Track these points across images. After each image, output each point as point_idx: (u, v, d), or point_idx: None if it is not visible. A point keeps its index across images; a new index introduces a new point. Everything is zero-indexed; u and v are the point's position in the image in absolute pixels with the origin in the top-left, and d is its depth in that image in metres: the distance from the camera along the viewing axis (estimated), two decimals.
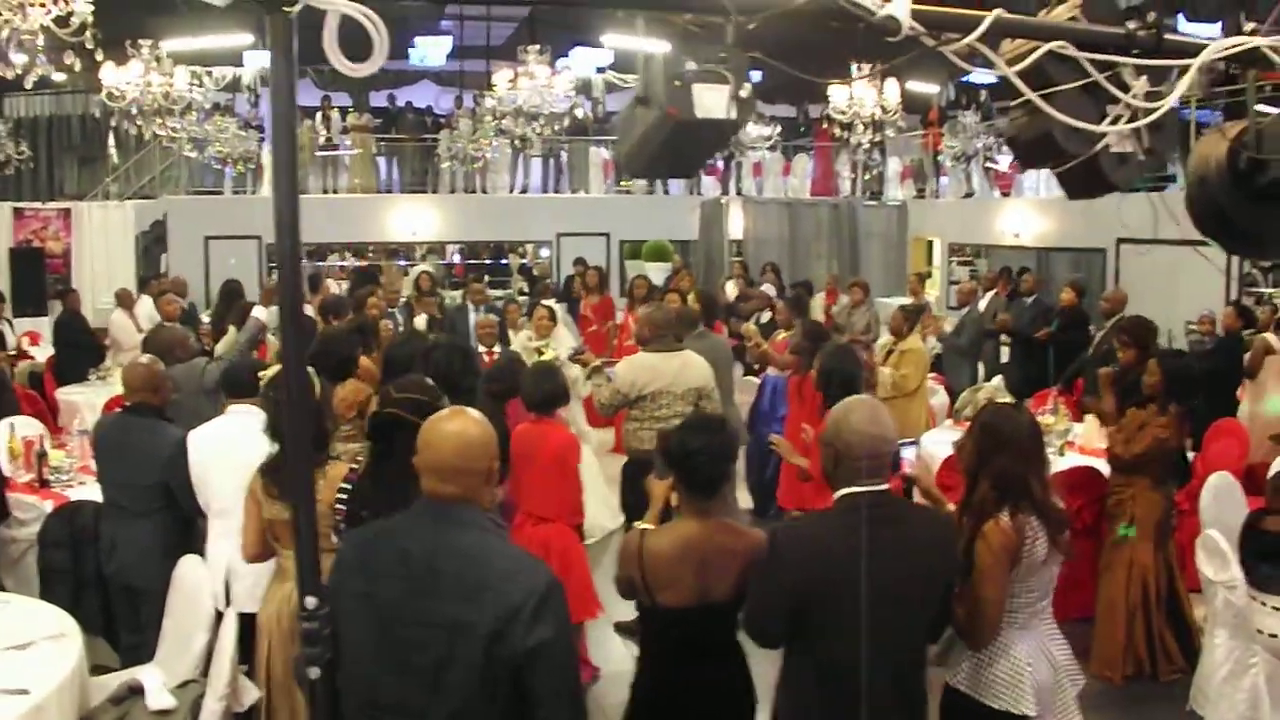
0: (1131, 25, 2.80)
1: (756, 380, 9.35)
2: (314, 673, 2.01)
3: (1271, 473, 5.62)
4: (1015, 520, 3.30)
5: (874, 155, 18.38)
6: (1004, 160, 17.25)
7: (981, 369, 10.99)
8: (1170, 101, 2.76)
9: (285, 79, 2.07)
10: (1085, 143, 2.79)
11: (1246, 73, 2.98)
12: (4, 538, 5.90)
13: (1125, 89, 2.81)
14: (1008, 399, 8.54)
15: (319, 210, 16.83)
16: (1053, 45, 2.73)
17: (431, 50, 17.60)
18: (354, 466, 3.72)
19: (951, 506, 3.63)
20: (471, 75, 19.97)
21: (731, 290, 14.01)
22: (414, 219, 18.02)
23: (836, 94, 12.20)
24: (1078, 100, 2.77)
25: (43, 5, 5.90)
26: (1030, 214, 15.63)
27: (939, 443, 7.44)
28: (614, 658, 5.95)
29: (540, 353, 8.07)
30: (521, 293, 17.95)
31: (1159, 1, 2.93)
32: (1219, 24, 12.94)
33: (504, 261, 21.58)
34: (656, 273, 15.75)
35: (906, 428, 7.00)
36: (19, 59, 6.34)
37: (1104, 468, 6.15)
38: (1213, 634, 5.14)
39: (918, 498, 3.56)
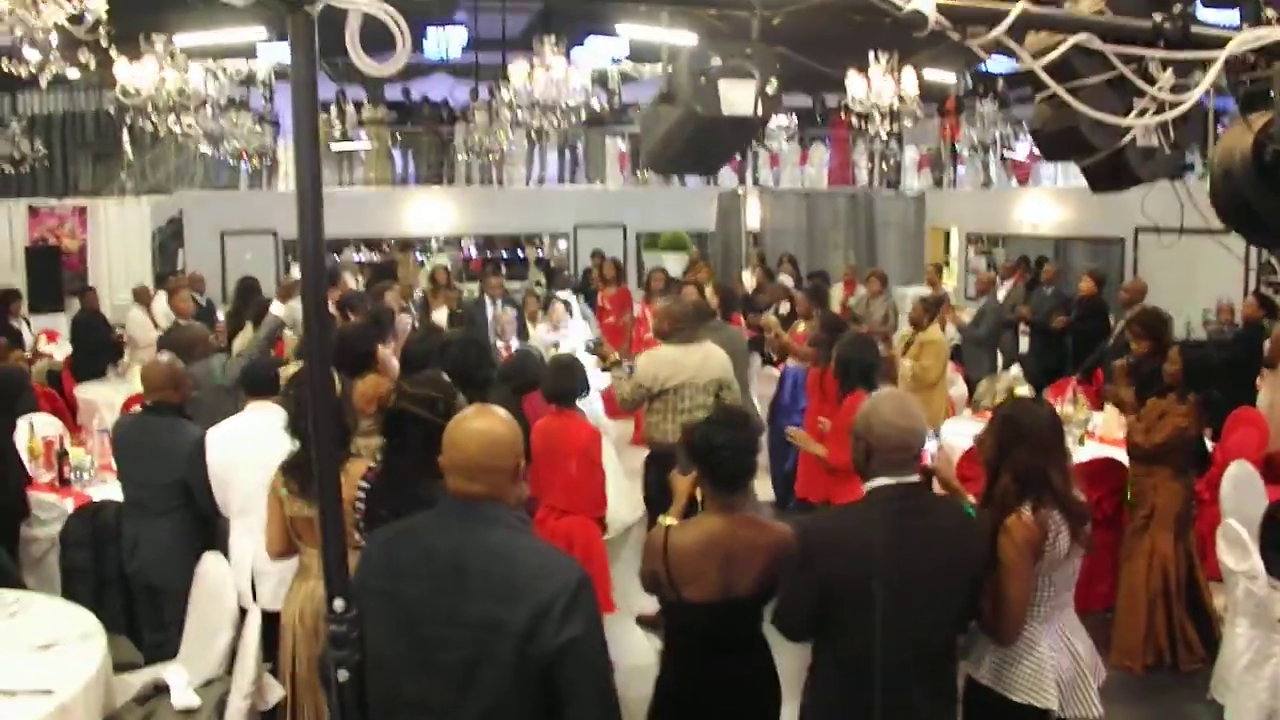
0: (1158, 18, 2.77)
1: (776, 372, 9.32)
2: (343, 675, 2.00)
3: None
4: (1038, 514, 3.29)
5: (891, 145, 18.31)
6: (1021, 149, 17.15)
7: (1000, 359, 10.95)
8: (1197, 94, 2.73)
9: (306, 78, 2.05)
10: (1111, 136, 2.77)
11: (1272, 64, 2.94)
12: (26, 537, 5.93)
13: (1151, 82, 2.78)
14: (1026, 389, 8.51)
15: (334, 204, 16.56)
16: (1079, 38, 2.70)
17: (447, 42, 17.57)
18: (372, 465, 3.71)
19: (972, 498, 3.62)
20: (487, 67, 19.92)
21: (749, 281, 13.99)
22: (430, 212, 18.01)
23: (854, 84, 12.12)
24: (1103, 93, 2.74)
25: (56, 2, 5.89)
26: (1048, 203, 15.54)
27: (958, 433, 7.43)
28: (636, 651, 5.95)
29: (557, 346, 8.07)
30: (539, 284, 17.95)
31: None
32: (1237, 9, 12.79)
33: (521, 254, 21.56)
34: (674, 264, 15.71)
35: (927, 419, 6.97)
36: (33, 56, 6.34)
37: (1123, 457, 6.12)
38: (1233, 623, 5.13)
39: (937, 489, 3.55)
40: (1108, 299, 10.72)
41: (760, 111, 2.65)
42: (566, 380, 5.47)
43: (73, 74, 6.82)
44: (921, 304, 8.78)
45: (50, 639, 3.95)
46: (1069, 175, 15.01)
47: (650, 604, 4.32)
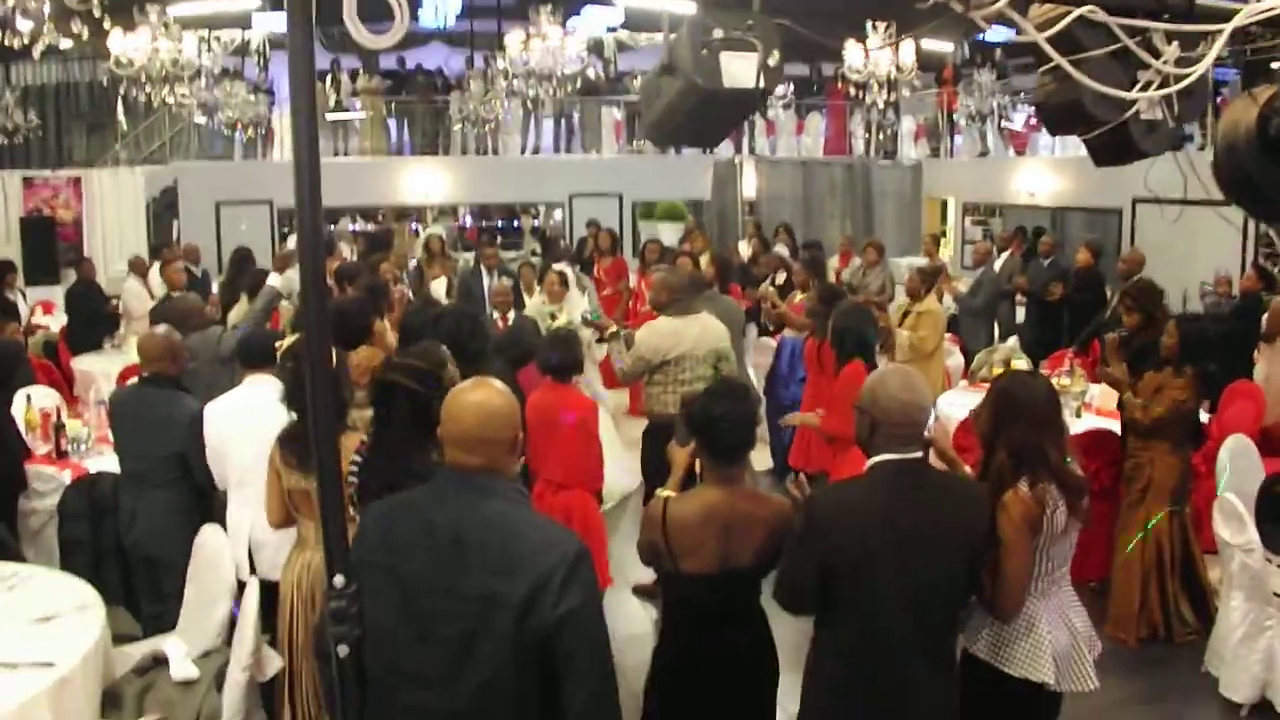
0: None
1: (773, 343, 9.32)
2: (342, 650, 2.00)
3: None
4: (1035, 490, 3.28)
5: (888, 114, 18.23)
6: (1019, 119, 17.09)
7: (997, 330, 10.94)
8: (1202, 68, 2.70)
9: (303, 49, 2.02)
10: (1115, 109, 2.74)
11: (1277, 36, 2.92)
12: (24, 510, 5.92)
13: (1156, 54, 2.75)
14: (1024, 360, 8.51)
15: (329, 174, 16.23)
16: (1083, 10, 2.67)
17: (441, 10, 17.45)
18: (364, 439, 3.71)
19: (968, 469, 3.63)
20: (482, 35, 19.80)
21: (745, 251, 13.95)
22: (425, 181, 17.94)
23: (851, 53, 12.07)
24: (1107, 66, 2.71)
25: None
26: (1045, 173, 15.50)
27: (955, 404, 7.43)
28: (633, 620, 5.99)
29: (554, 318, 8.02)
30: (534, 254, 17.90)
31: None
32: None
33: (516, 223, 21.50)
34: (670, 233, 15.67)
35: None
36: (25, 26, 6.29)
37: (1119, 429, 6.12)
38: (1228, 596, 5.15)
39: (934, 460, 3.55)
40: (1105, 270, 10.70)
41: (762, 84, 2.62)
42: (563, 354, 5.44)
43: (66, 44, 6.76)
44: (918, 274, 8.76)
45: (49, 611, 3.95)
46: (1066, 145, 14.96)
47: (647, 574, 4.33)
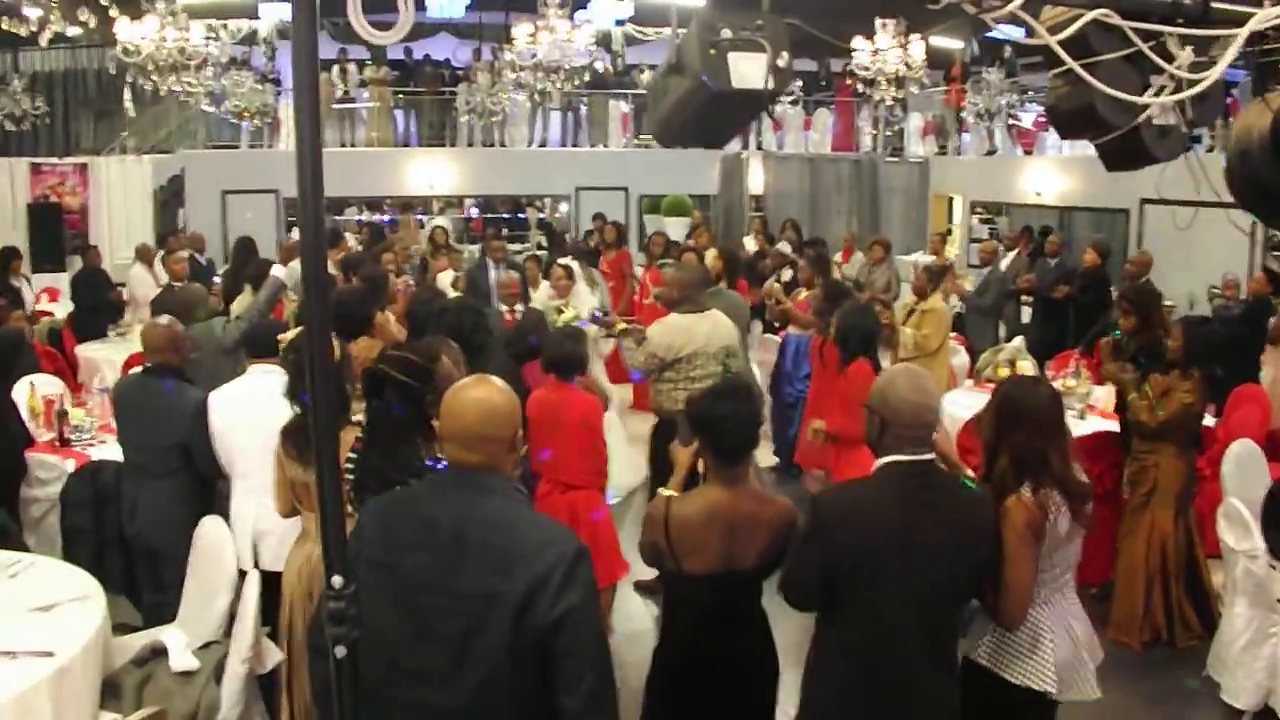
0: None
1: (777, 339, 9.30)
2: (340, 651, 1.99)
3: None
4: (1037, 496, 3.26)
5: (896, 111, 18.17)
6: (1027, 117, 17.04)
7: (1003, 329, 10.91)
8: (1216, 73, 2.67)
9: (307, 44, 2.00)
10: (1127, 114, 2.72)
11: None
12: (26, 498, 5.92)
13: (1169, 59, 2.72)
14: (1029, 360, 8.48)
15: (335, 164, 16.64)
16: (1097, 13, 2.64)
17: (449, 1, 17.41)
18: (360, 435, 3.70)
19: (970, 472, 3.61)
20: (490, 27, 19.75)
21: (750, 246, 13.91)
22: (432, 173, 17.92)
23: (860, 50, 12.02)
24: (1120, 70, 2.69)
25: None
26: (1053, 172, 15.45)
27: (960, 404, 7.40)
28: (634, 616, 5.99)
29: (560, 312, 7.98)
30: (540, 247, 17.88)
31: None
32: None
33: (522, 216, 21.48)
34: (676, 228, 15.64)
35: None
36: (33, 13, 6.28)
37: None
38: (1232, 603, 5.12)
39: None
40: (1111, 271, 10.66)
41: (771, 84, 2.59)
42: (568, 354, 5.39)
43: (73, 32, 6.75)
44: (925, 273, 8.74)
45: (50, 600, 3.94)
46: (1075, 145, 14.88)
47: (649, 570, 4.32)
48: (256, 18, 15.49)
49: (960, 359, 9.75)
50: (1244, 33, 2.58)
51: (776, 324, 9.77)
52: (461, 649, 2.43)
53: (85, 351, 9.62)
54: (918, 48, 12.21)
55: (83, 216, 15.47)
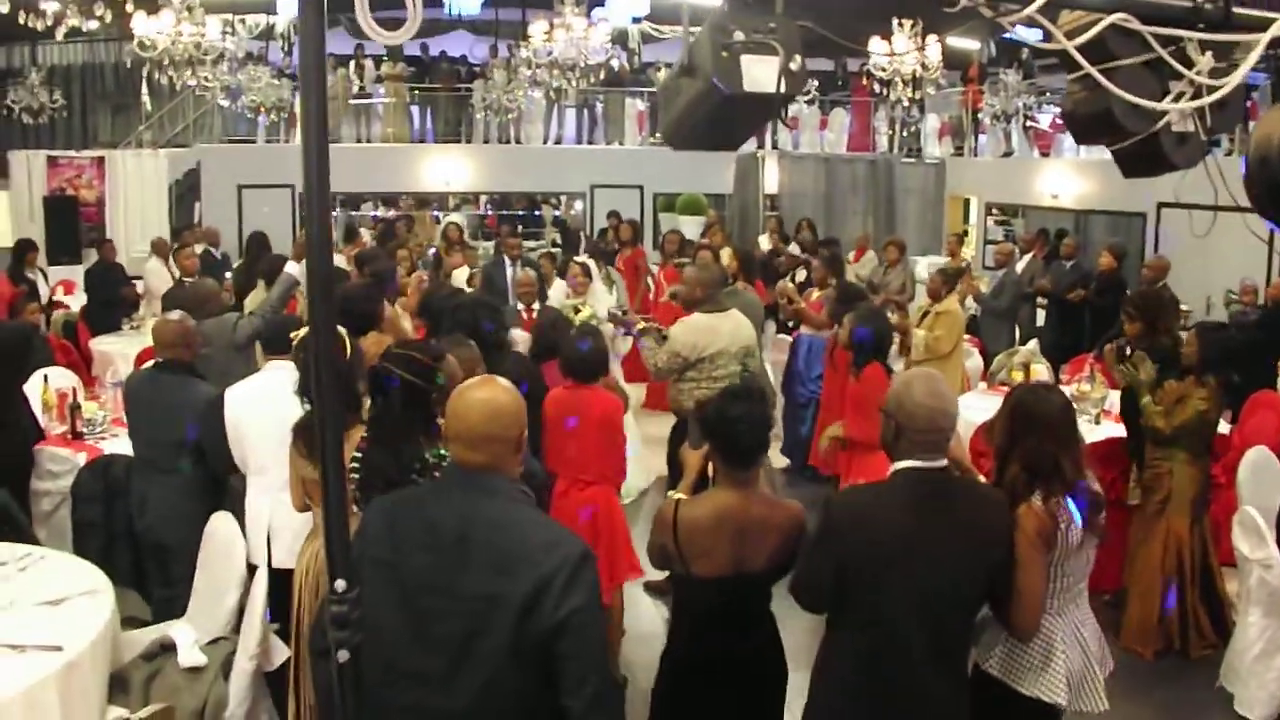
0: None
1: (790, 339, 9.27)
2: (343, 656, 1.98)
3: None
4: (1048, 504, 3.23)
5: (912, 111, 18.11)
6: (1044, 119, 16.96)
7: (1017, 332, 10.86)
8: (1237, 79, 2.64)
9: (315, 32, 1.98)
10: (1145, 120, 2.68)
11: None
12: (37, 491, 5.94)
13: (1189, 65, 2.69)
14: (1043, 364, 8.44)
15: (352, 159, 16.78)
16: (1115, 18, 2.61)
17: None
18: (365, 435, 3.69)
19: (982, 478, 3.58)
20: (506, 24, 19.77)
21: (765, 245, 13.89)
22: (447, 169, 17.93)
23: (877, 51, 11.97)
24: (1139, 76, 2.65)
25: None
26: (1069, 175, 15.37)
27: (973, 407, 7.35)
28: (644, 618, 5.97)
29: (577, 310, 7.94)
30: (554, 244, 17.87)
31: None
32: None
33: (537, 213, 21.49)
34: (690, 226, 15.62)
35: None
36: (50, 8, 6.30)
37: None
38: (1246, 612, 5.08)
39: None
40: (1127, 275, 10.59)
41: (784, 88, 2.56)
42: (588, 358, 5.28)
43: (91, 26, 6.77)
44: (940, 275, 8.70)
45: (59, 594, 3.95)
46: (1092, 147, 14.81)
47: (657, 571, 4.31)
48: (274, 13, 15.50)
49: (974, 361, 9.70)
50: (1265, 38, 2.54)
51: (791, 324, 9.75)
52: (462, 651, 2.42)
53: (99, 345, 9.64)
54: (934, 48, 12.15)
55: (99, 209, 15.50)
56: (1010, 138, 17.61)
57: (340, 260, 9.75)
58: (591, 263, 10.16)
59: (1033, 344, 9.91)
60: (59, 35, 6.52)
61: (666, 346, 6.19)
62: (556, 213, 21.20)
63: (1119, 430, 6.69)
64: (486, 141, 18.64)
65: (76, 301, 11.96)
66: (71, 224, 14.98)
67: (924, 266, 13.43)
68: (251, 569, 4.34)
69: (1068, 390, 7.19)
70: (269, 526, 4.63)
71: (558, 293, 9.23)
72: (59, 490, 5.92)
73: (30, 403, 6.21)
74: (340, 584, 1.95)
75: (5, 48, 17.60)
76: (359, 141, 18.05)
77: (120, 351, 9.08)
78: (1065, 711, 3.36)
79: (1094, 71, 2.59)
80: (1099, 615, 3.57)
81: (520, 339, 6.49)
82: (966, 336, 9.32)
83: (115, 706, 3.83)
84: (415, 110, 19.08)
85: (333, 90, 17.57)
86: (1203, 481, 5.71)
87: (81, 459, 5.95)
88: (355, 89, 18.22)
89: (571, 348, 5.31)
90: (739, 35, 2.51)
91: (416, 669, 2.47)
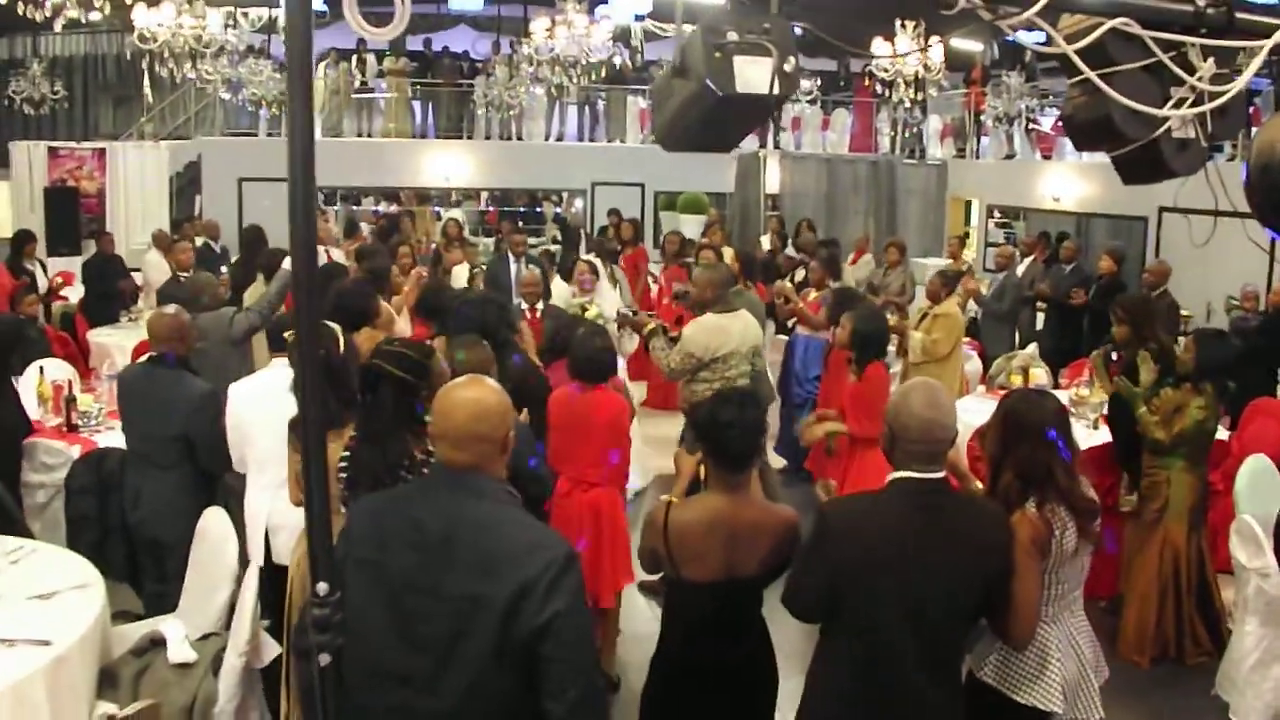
0: (1201, 2, 2.64)
1: (785, 339, 9.25)
2: (324, 659, 1.96)
3: None
4: (1042, 511, 3.21)
5: (914, 113, 18.08)
6: (1046, 121, 16.94)
7: (1017, 336, 10.84)
8: (1239, 85, 2.61)
9: (302, 37, 1.97)
10: (1145, 126, 2.65)
11: None
12: (32, 483, 5.93)
13: (1191, 70, 2.66)
14: (1042, 368, 8.42)
15: (353, 153, 16.77)
16: (1116, 22, 2.58)
17: None
18: (354, 435, 3.67)
19: (979, 484, 3.56)
20: (509, 20, 19.77)
21: (766, 245, 13.85)
22: (448, 165, 17.92)
23: (879, 51, 11.95)
24: (1140, 81, 2.62)
25: None
26: (1071, 178, 15.35)
27: (971, 411, 7.32)
28: (638, 618, 5.95)
29: (584, 309, 7.85)
30: (555, 241, 17.84)
31: None
32: None
33: (538, 210, 21.48)
34: (691, 225, 15.59)
35: None
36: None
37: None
38: (1243, 621, 5.06)
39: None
40: (1128, 279, 10.57)
41: (777, 89, 2.53)
42: (597, 360, 5.22)
43: (94, 17, 6.74)
44: (939, 277, 8.67)
45: (50, 588, 3.93)
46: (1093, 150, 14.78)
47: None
48: (276, 6, 15.46)
49: (974, 365, 9.68)
50: (1269, 44, 2.51)
51: (790, 324, 9.72)
52: (448, 652, 2.41)
53: (97, 337, 9.63)
54: (937, 50, 12.13)
55: (99, 201, 15.48)
56: (1012, 140, 17.61)
57: (339, 255, 9.75)
58: (599, 262, 10.08)
59: (1032, 348, 9.90)
60: (57, 26, 6.49)
61: (679, 347, 6.15)
62: (557, 210, 21.18)
63: None
64: (488, 137, 18.62)
65: (76, 293, 11.94)
66: (72, 215, 14.96)
67: (926, 268, 13.40)
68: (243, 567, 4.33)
69: (1067, 394, 7.20)
70: (268, 524, 4.62)
71: (563, 292, 9.13)
72: (53, 482, 5.90)
73: (19, 396, 6.18)
74: (322, 587, 1.93)
75: (7, 38, 17.59)
76: (360, 136, 18.02)
77: (118, 344, 9.06)
78: (1061, 719, 3.35)
79: (1093, 76, 2.56)
80: (1095, 623, 3.55)
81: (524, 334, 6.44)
82: (966, 339, 9.30)
83: (104, 701, 3.82)
84: (417, 105, 19.07)
85: (335, 85, 17.57)
86: (1200, 490, 5.69)
87: (76, 452, 5.93)
88: (357, 83, 18.20)
89: (580, 348, 5.25)
90: (732, 35, 2.48)
91: (402, 670, 2.45)
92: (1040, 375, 8.20)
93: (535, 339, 6.20)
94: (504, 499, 2.55)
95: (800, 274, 10.70)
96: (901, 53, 11.86)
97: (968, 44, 17.77)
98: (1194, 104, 2.68)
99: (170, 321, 5.13)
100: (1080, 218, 14.86)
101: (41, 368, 6.94)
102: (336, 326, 4.47)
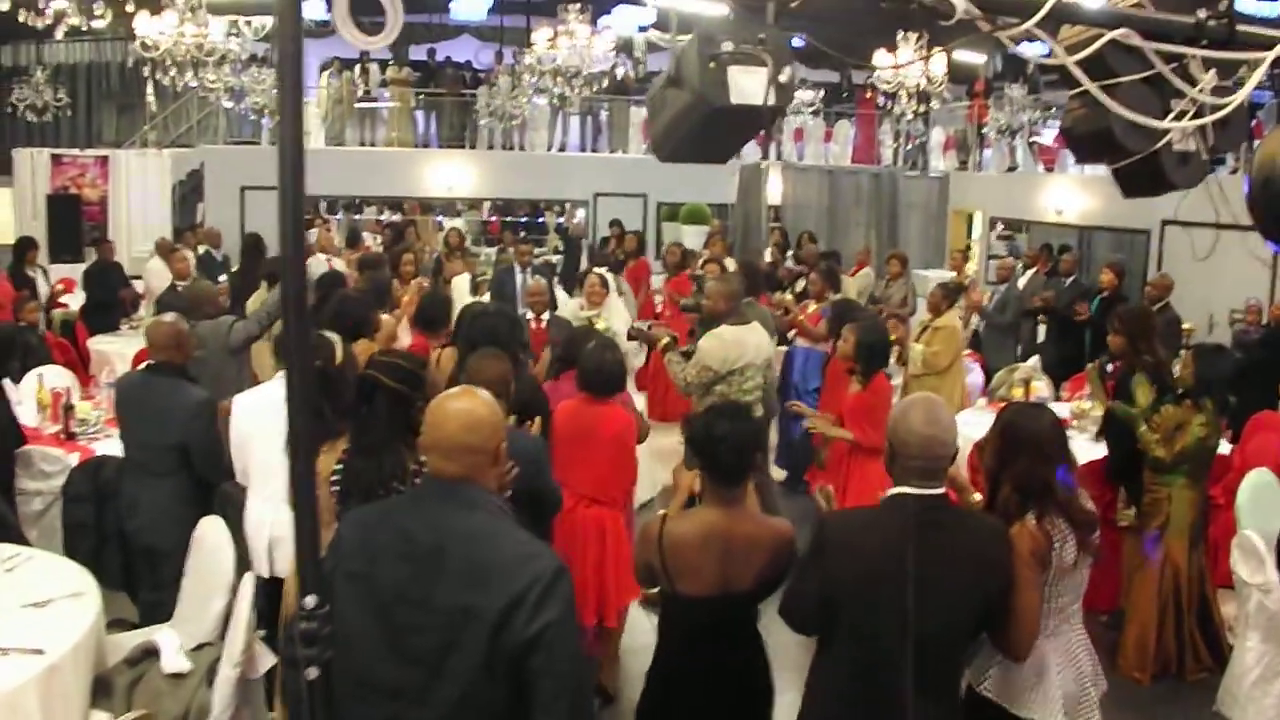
0: (1202, 14, 2.62)
1: (783, 350, 9.22)
2: (312, 673, 1.94)
3: None
4: (1041, 524, 3.20)
5: (917, 125, 18.08)
6: (1049, 134, 16.94)
7: (1019, 349, 10.82)
8: (1240, 97, 2.59)
9: (293, 39, 1.95)
10: (1146, 139, 2.63)
11: None
12: (29, 491, 5.91)
13: (1192, 82, 2.64)
14: (1044, 381, 8.40)
15: (356, 163, 16.77)
16: (1117, 34, 2.56)
17: (471, 4, 17.41)
18: (347, 448, 3.65)
19: (978, 497, 3.54)
20: (512, 30, 19.78)
21: (767, 256, 13.86)
22: (451, 174, 17.92)
23: (881, 63, 11.94)
24: (1140, 93, 2.60)
25: None
26: (1074, 191, 15.34)
27: (972, 423, 7.30)
28: (637, 630, 5.93)
29: (592, 323, 7.79)
30: (557, 251, 17.83)
31: None
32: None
33: (540, 220, 21.48)
34: (693, 236, 15.58)
35: None
36: (52, 6, 6.28)
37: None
38: (1244, 637, 5.03)
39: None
40: (1130, 292, 10.55)
41: (772, 100, 2.51)
42: (608, 372, 5.15)
43: (99, 25, 6.75)
44: (940, 290, 8.67)
45: (44, 596, 3.91)
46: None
47: None
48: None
49: (975, 377, 9.66)
50: (1270, 57, 2.49)
51: (790, 336, 9.70)
52: (438, 664, 2.39)
53: (97, 344, 9.63)
54: (940, 62, 12.13)
55: (102, 208, 15.53)
56: (1015, 152, 17.60)
57: (341, 264, 9.75)
58: (610, 275, 10.01)
59: (1034, 361, 9.87)
60: (59, 34, 6.50)
61: (695, 360, 6.10)
62: (560, 220, 21.18)
63: None
64: (490, 147, 18.62)
65: (78, 300, 11.94)
66: (74, 223, 15.00)
67: (928, 280, 13.38)
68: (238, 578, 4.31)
69: (1068, 407, 7.18)
70: (269, 536, 4.59)
71: (573, 305, 9.05)
72: (51, 490, 5.88)
73: (11, 404, 6.15)
74: (310, 600, 1.91)
75: (11, 46, 17.63)
76: (363, 145, 18.04)
77: (118, 351, 9.06)
78: None
79: (1093, 88, 2.54)
80: (1095, 636, 3.53)
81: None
82: (969, 352, 9.29)
83: (98, 711, 3.81)
84: (420, 115, 19.07)
85: (338, 94, 17.58)
86: (1201, 506, 5.65)
87: (74, 459, 5.91)
88: (360, 92, 18.22)
89: (590, 360, 5.16)
90: (727, 46, 2.46)
91: (393, 682, 2.43)
92: (1042, 388, 8.18)
93: (539, 349, 6.18)
94: (495, 510, 2.53)
95: (800, 285, 10.69)
96: (904, 64, 11.86)
97: (971, 56, 17.78)
98: (1195, 116, 2.66)
99: (169, 330, 5.11)
100: (1083, 231, 14.85)
101: (41, 375, 6.93)
102: (336, 337, 4.46)
